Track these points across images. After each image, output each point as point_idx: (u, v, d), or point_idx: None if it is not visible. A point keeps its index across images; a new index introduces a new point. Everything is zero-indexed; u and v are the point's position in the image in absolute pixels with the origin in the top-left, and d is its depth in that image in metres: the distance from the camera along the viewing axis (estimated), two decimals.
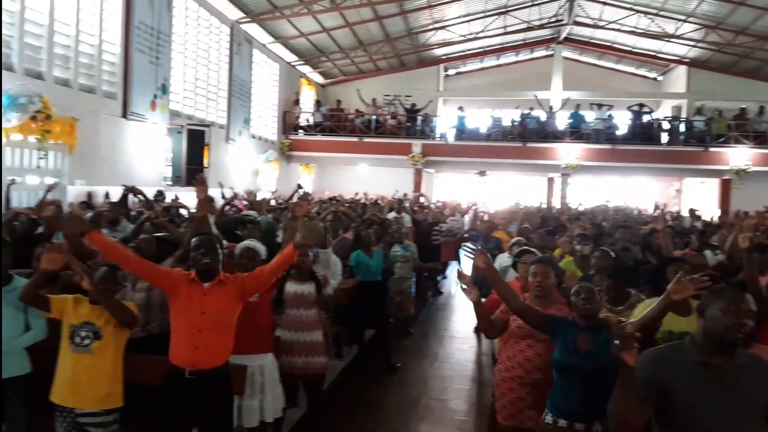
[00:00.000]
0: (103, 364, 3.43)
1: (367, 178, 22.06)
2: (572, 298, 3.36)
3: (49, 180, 9.78)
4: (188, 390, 3.35)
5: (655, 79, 25.40)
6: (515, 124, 20.02)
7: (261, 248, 4.36)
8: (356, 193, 15.97)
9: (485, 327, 3.84)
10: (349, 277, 6.55)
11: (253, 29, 17.08)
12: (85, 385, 3.40)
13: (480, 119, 20.89)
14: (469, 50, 23.63)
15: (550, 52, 23.58)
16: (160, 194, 10.69)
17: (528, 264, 4.60)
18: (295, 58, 20.67)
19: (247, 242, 4.46)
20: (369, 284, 6.80)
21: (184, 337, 3.39)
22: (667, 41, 20.84)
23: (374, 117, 20.80)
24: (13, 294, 3.51)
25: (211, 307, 3.40)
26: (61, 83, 9.84)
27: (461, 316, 9.66)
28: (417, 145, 19.96)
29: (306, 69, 22.16)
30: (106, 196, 10.17)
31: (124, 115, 11.41)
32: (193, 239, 3.61)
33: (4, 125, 8.12)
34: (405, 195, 14.07)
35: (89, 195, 10.04)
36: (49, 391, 3.47)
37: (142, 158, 12.10)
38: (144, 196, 7.38)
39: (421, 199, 15.10)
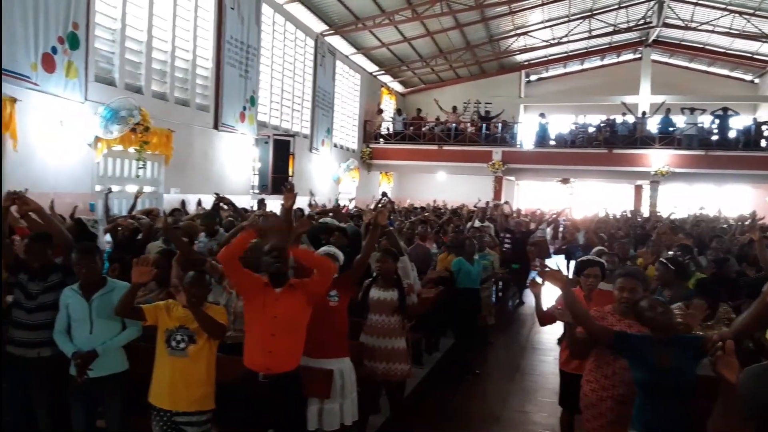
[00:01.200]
0: (198, 367, 3.53)
1: (446, 185, 22.04)
2: (647, 313, 3.22)
3: (147, 188, 10.40)
4: (262, 393, 3.44)
5: (751, 81, 24.01)
6: (602, 128, 19.43)
7: (339, 254, 4.44)
8: (434, 201, 15.98)
9: (576, 348, 3.74)
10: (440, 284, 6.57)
11: (336, 41, 17.47)
12: (181, 387, 3.51)
13: (563, 125, 20.43)
14: (551, 55, 23.21)
15: (638, 56, 22.79)
16: (262, 202, 11.10)
17: (591, 276, 4.55)
18: (376, 67, 20.95)
19: (325, 248, 4.54)
20: (467, 291, 6.84)
21: (258, 341, 3.48)
22: (765, 42, 19.68)
23: (454, 124, 20.75)
24: (107, 297, 3.70)
25: (283, 311, 3.49)
26: (158, 97, 10.43)
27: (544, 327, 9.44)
28: (497, 152, 19.75)
29: (386, 78, 22.43)
30: (199, 203, 10.66)
31: (216, 127, 11.95)
32: (267, 245, 3.74)
33: (106, 137, 8.70)
34: (487, 203, 13.94)
35: (183, 203, 10.56)
36: (141, 389, 3.61)
37: (231, 167, 12.61)
38: (233, 205, 7.69)
39: (504, 208, 14.91)
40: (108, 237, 6.93)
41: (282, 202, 4.39)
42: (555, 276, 3.44)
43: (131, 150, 9.46)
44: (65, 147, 8.21)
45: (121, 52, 9.45)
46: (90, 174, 8.78)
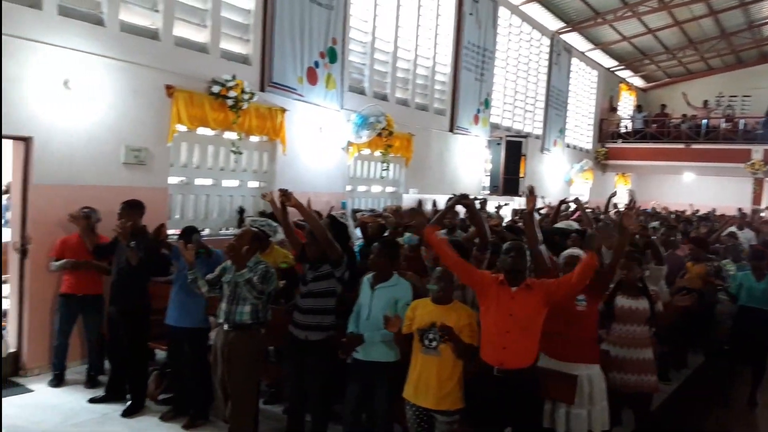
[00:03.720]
0: (448, 365, 3.65)
1: (693, 188, 20.15)
2: None
3: (389, 188, 11.14)
4: (496, 387, 3.52)
5: None
6: None
7: (583, 256, 4.33)
8: (663, 208, 14.73)
9: None
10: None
11: (572, 38, 16.94)
12: (433, 385, 3.66)
13: None
14: None
15: None
16: (483, 202, 11.28)
17: None
18: (615, 63, 19.88)
19: (571, 250, 4.47)
20: (750, 310, 5.99)
21: (493, 336, 3.56)
22: None
23: (705, 121, 18.85)
24: (387, 290, 4.03)
25: (518, 310, 3.52)
26: (401, 103, 11.10)
27: None
28: (758, 150, 17.46)
29: (626, 74, 21.16)
30: (434, 204, 11.11)
31: (451, 130, 12.36)
32: (505, 244, 3.82)
33: (357, 141, 9.50)
34: (740, 209, 12.45)
35: (419, 202, 11.10)
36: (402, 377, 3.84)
37: (464, 169, 12.95)
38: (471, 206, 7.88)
39: (764, 214, 13.22)
40: (359, 232, 7.62)
41: (524, 205, 4.43)
42: None
43: (377, 153, 10.24)
44: (323, 151, 9.14)
45: (371, 63, 10.24)
46: (343, 175, 9.67)
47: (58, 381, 5.66)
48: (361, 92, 10.11)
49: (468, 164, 13.09)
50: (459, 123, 12.46)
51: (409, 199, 11.17)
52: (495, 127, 14.07)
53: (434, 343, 3.62)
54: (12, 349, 5.78)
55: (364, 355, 3.98)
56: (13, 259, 5.86)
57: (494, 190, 13.82)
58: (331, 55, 9.06)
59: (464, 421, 3.74)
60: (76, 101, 5.91)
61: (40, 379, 5.71)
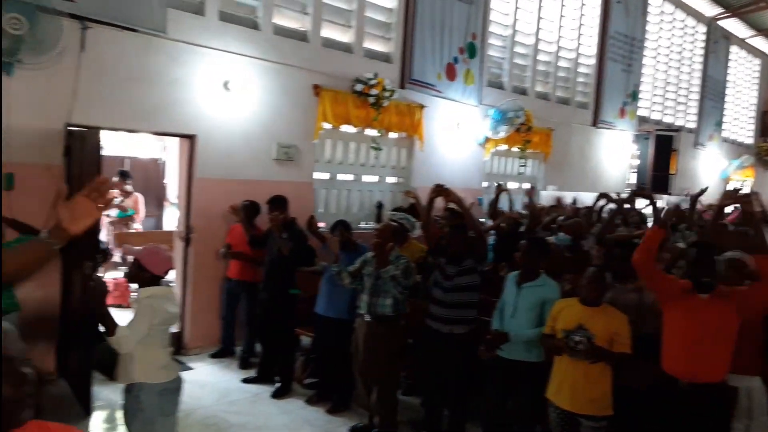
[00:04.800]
0: (596, 370, 3.48)
1: None
2: None
3: (527, 185, 10.90)
4: (682, 402, 3.29)
5: None
6: None
7: (747, 259, 3.97)
8: None
9: None
10: None
11: (732, 24, 15.58)
12: (579, 389, 3.51)
13: None
14: None
15: None
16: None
17: None
18: None
19: (732, 253, 4.13)
20: None
21: (680, 346, 3.33)
22: None
23: None
24: (534, 290, 3.96)
25: (709, 319, 3.28)
26: (541, 97, 10.79)
27: None
28: None
29: None
30: (574, 202, 10.71)
31: (594, 124, 11.84)
32: (691, 249, 3.56)
33: (494, 137, 9.37)
34: None
35: (558, 200, 10.74)
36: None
37: (607, 165, 12.36)
38: (617, 202, 7.50)
39: None
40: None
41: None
42: None
43: (514, 149, 10.04)
44: (460, 147, 9.11)
45: (510, 57, 10.04)
46: (479, 171, 9.58)
47: (219, 354, 6.21)
48: (500, 87, 9.95)
49: (612, 160, 12.48)
50: (603, 117, 11.91)
51: (547, 197, 10.86)
52: (643, 120, 13.30)
53: (580, 346, 3.44)
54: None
55: (508, 354, 3.93)
56: (177, 247, 6.42)
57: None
58: (471, 51, 9.01)
59: (614, 429, 3.58)
60: (234, 101, 6.35)
61: (200, 358, 6.21)
